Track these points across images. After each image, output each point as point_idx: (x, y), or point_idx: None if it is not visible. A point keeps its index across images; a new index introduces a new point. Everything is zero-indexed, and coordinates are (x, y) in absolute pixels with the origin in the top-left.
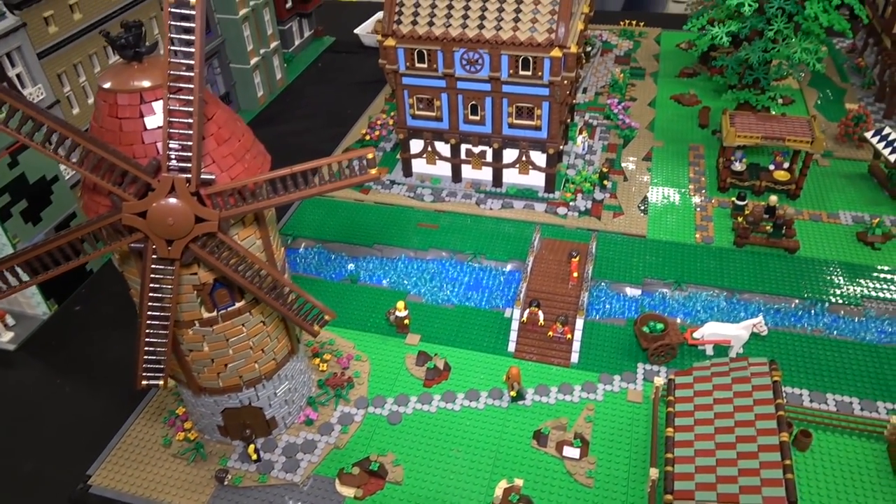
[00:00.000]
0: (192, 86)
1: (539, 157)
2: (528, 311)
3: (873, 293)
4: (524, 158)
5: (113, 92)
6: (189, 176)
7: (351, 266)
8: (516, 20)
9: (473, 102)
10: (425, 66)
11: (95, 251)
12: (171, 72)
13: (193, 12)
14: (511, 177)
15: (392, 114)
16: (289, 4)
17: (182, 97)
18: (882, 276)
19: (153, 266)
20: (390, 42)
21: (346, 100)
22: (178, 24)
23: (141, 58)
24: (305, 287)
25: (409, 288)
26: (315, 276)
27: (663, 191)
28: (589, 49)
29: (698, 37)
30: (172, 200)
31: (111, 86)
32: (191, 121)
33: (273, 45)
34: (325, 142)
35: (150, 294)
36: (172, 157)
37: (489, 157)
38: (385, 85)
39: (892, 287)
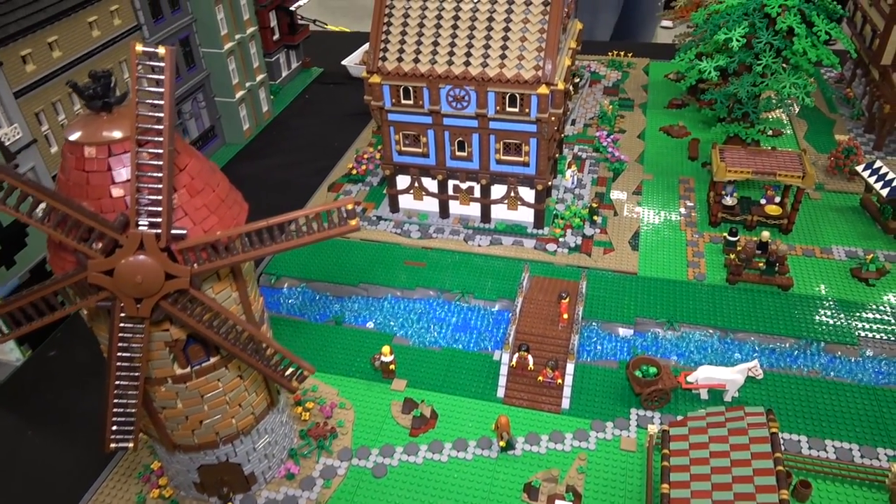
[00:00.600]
0: (161, 138)
1: (528, 193)
2: (517, 355)
3: (869, 332)
4: (512, 194)
5: (80, 144)
6: (159, 231)
7: (336, 306)
8: (503, 57)
9: (460, 139)
10: (411, 102)
11: (63, 309)
12: (140, 125)
13: (162, 64)
14: (500, 212)
15: (379, 147)
16: (276, 36)
17: (151, 150)
18: (877, 313)
19: (121, 325)
20: (375, 79)
21: (334, 132)
22: (148, 76)
23: (110, 108)
24: (288, 329)
25: (395, 329)
26: (298, 317)
27: (654, 226)
28: (577, 80)
29: (688, 68)
30: (141, 257)
31: (78, 138)
32: (160, 174)
33: (259, 77)
34: (312, 175)
35: (119, 354)
36: (142, 211)
37: (477, 193)
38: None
39: (888, 325)
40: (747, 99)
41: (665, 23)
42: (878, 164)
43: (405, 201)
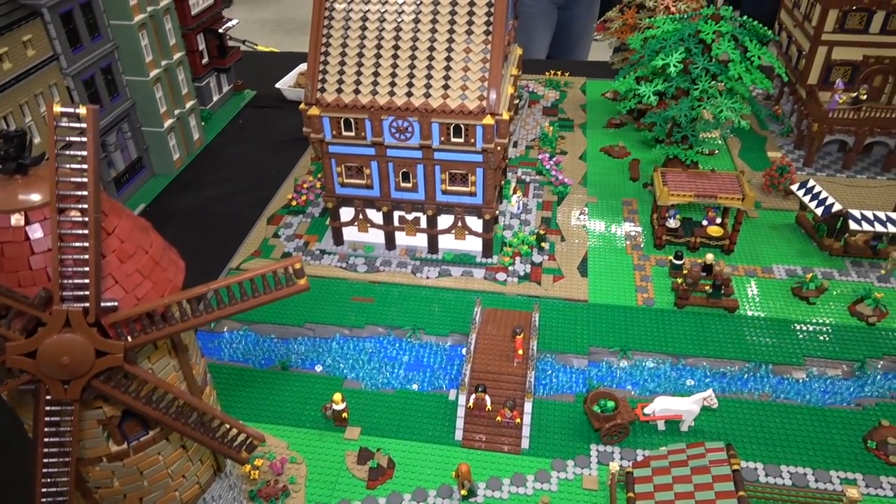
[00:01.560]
0: (85, 205)
1: (475, 223)
2: (473, 396)
3: (813, 351)
4: (460, 224)
5: None
6: (86, 305)
7: (281, 350)
8: (446, 87)
9: (405, 170)
10: (353, 134)
11: None
12: (61, 190)
13: (84, 125)
14: (447, 242)
15: (319, 175)
16: (205, 60)
17: (74, 217)
18: (819, 331)
19: (48, 409)
20: (314, 111)
21: (270, 160)
22: (67, 138)
23: (26, 170)
24: (231, 377)
25: (345, 372)
26: (242, 363)
27: (601, 251)
28: (517, 101)
29: (627, 90)
30: (68, 336)
31: None
32: (86, 243)
33: (189, 104)
34: (249, 207)
35: (47, 439)
36: (66, 284)
37: (423, 224)
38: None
39: (829, 343)
40: (686, 122)
41: (595, 35)
42: (811, 183)
43: (349, 233)
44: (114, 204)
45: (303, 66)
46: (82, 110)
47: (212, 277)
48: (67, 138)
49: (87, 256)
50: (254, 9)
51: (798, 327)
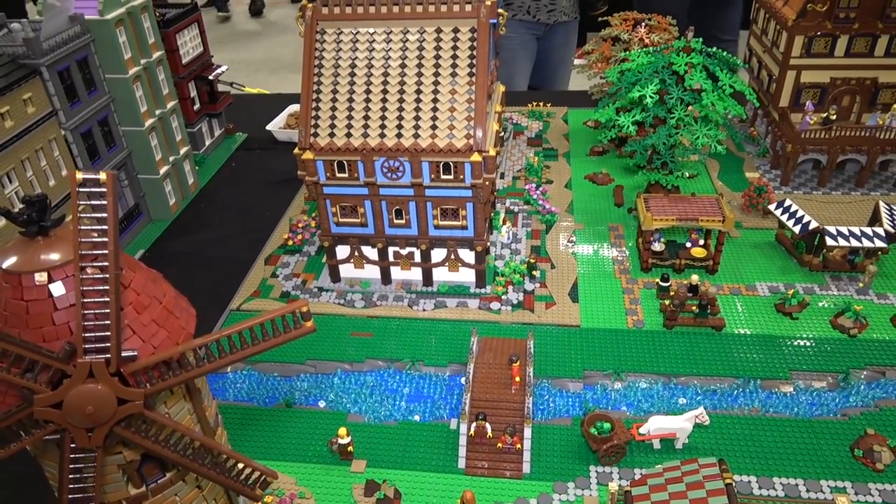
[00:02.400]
0: (106, 263)
1: (467, 255)
2: (474, 424)
3: (798, 364)
4: (453, 257)
5: (16, 273)
6: (108, 356)
7: (285, 388)
8: (434, 127)
9: (397, 207)
10: (346, 175)
11: (8, 448)
12: (83, 251)
13: (104, 189)
14: (441, 275)
15: (314, 215)
16: (197, 106)
17: (95, 275)
18: (803, 345)
19: (72, 456)
20: (308, 155)
21: (264, 201)
22: (88, 202)
23: (47, 232)
24: (237, 416)
25: (348, 407)
26: (246, 402)
27: (590, 276)
28: (502, 133)
29: (607, 120)
30: (91, 386)
31: (14, 265)
32: (107, 299)
33: (183, 150)
34: (246, 249)
35: (71, 486)
36: (88, 337)
37: (417, 258)
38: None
39: (814, 356)
40: (664, 149)
41: (577, 61)
42: (787, 202)
43: (346, 270)
44: (128, 258)
45: (292, 108)
46: (102, 176)
47: (213, 320)
48: (89, 202)
49: (108, 311)
50: (237, 48)
51: (783, 342)
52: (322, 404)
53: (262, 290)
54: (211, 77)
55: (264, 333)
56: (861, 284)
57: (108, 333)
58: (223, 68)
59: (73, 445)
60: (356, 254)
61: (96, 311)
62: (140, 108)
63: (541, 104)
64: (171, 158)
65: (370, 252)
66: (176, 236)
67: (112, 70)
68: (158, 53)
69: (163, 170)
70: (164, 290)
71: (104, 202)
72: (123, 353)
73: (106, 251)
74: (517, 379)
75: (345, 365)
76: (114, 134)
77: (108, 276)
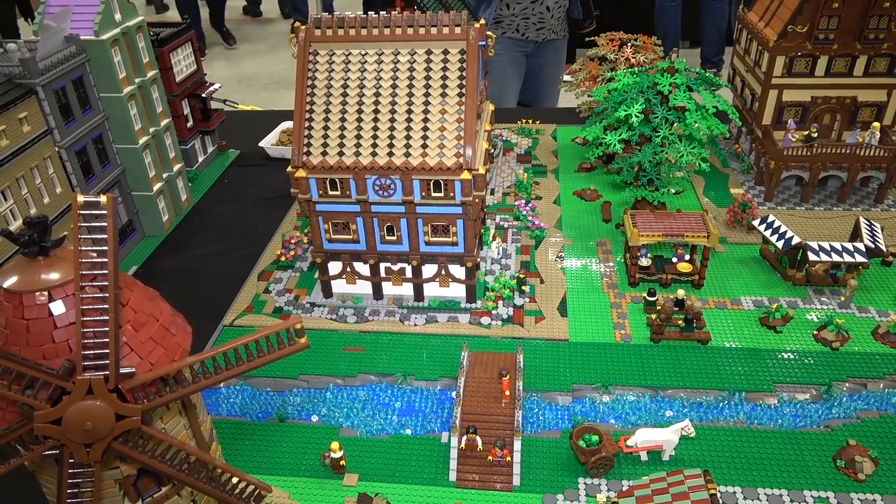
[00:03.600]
0: (105, 283)
1: (458, 270)
2: (465, 437)
3: (782, 377)
4: (443, 272)
5: (17, 293)
6: (107, 373)
7: (277, 402)
8: (424, 146)
9: (389, 224)
10: (338, 193)
11: (8, 464)
12: (84, 271)
13: (104, 212)
14: (432, 290)
15: (306, 230)
16: (190, 123)
17: (95, 294)
18: (787, 358)
19: (71, 471)
20: (301, 173)
21: (257, 217)
22: (89, 224)
23: (47, 252)
24: (231, 431)
25: (340, 421)
26: (239, 417)
27: (579, 291)
28: (492, 150)
29: (594, 138)
30: (90, 402)
31: (14, 284)
32: (106, 317)
33: (176, 167)
34: (239, 265)
35: (69, 500)
36: (88, 354)
37: (409, 274)
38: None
39: (797, 369)
40: (650, 167)
41: (566, 77)
42: (771, 217)
43: (338, 286)
44: (126, 277)
45: (285, 125)
46: (103, 199)
47: (207, 335)
48: (89, 223)
49: (106, 329)
50: (229, 65)
51: (767, 356)
52: (315, 419)
53: (255, 305)
54: (204, 95)
55: (259, 350)
56: (843, 298)
57: (107, 351)
58: (216, 86)
59: (71, 461)
60: (348, 270)
61: (95, 330)
62: (134, 126)
63: (530, 121)
64: (164, 175)
65: (362, 268)
66: (169, 252)
67: (107, 89)
68: (153, 72)
69: (156, 187)
70: (161, 307)
71: (104, 224)
72: (122, 370)
73: (105, 271)
74: (507, 393)
75: (337, 379)
76: (108, 152)
77: (107, 295)
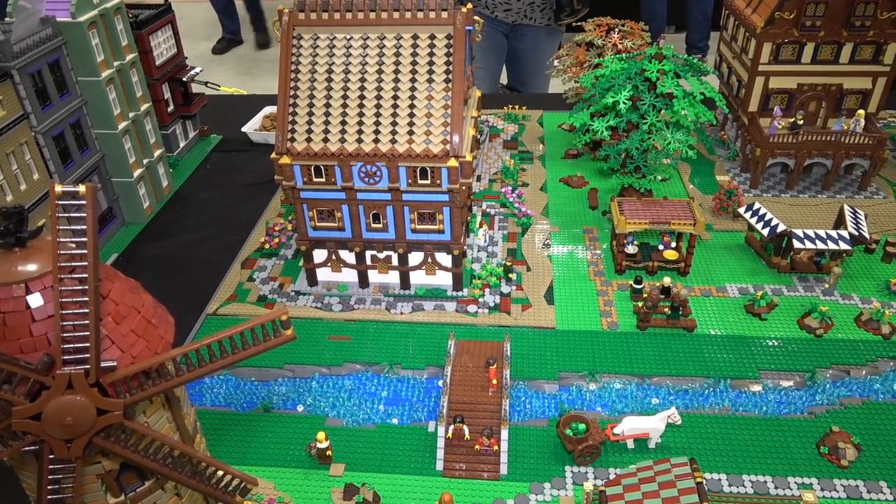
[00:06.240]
0: (85, 275)
1: (444, 258)
2: (452, 427)
3: (767, 364)
4: (430, 260)
5: None
6: (87, 367)
7: (262, 392)
8: (411, 133)
9: (375, 211)
10: (323, 180)
11: None
12: (62, 263)
13: (83, 202)
14: (419, 278)
15: (290, 217)
16: (171, 108)
17: (74, 286)
18: (771, 346)
19: (51, 467)
20: (285, 160)
21: (240, 203)
22: (68, 214)
23: (24, 243)
24: (215, 422)
25: (326, 410)
26: (224, 407)
27: (565, 279)
28: (478, 136)
29: (581, 125)
30: (70, 397)
31: None
32: (86, 310)
33: (157, 153)
34: (222, 252)
35: (49, 497)
36: (67, 348)
37: (395, 262)
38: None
39: (782, 356)
40: (637, 154)
41: (554, 63)
42: (756, 205)
43: (323, 274)
44: (106, 268)
45: (268, 109)
46: (82, 189)
47: (189, 325)
48: (67, 214)
49: (87, 322)
50: (211, 45)
51: (752, 343)
52: (300, 408)
53: (238, 294)
54: (185, 78)
55: (244, 342)
56: (826, 286)
57: (88, 344)
58: (197, 69)
59: (51, 456)
60: (333, 257)
61: (75, 323)
62: (113, 110)
63: (516, 107)
64: (144, 161)
65: (348, 256)
66: (150, 240)
67: (84, 72)
68: (132, 55)
69: (137, 173)
70: (143, 299)
71: (83, 214)
72: (103, 364)
73: (85, 263)
74: (494, 381)
75: (323, 369)
76: (86, 137)
77: (87, 287)
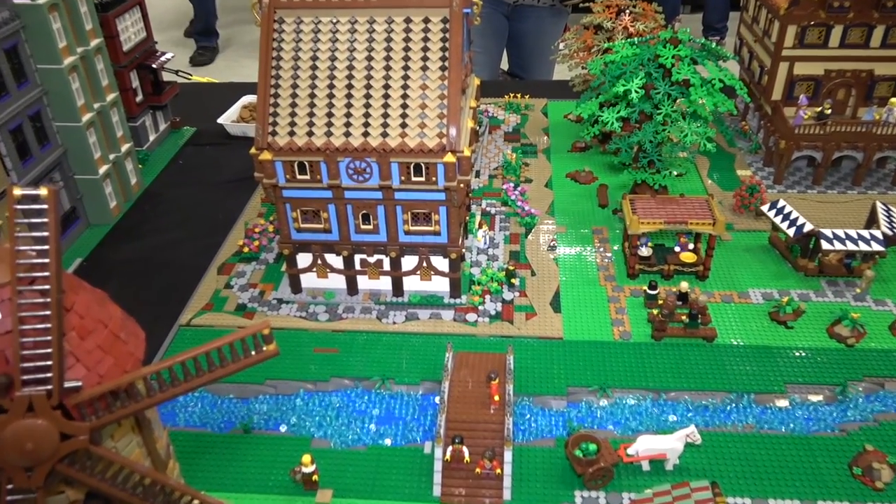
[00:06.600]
0: (47, 286)
1: (441, 262)
2: (450, 448)
3: (794, 377)
4: (425, 265)
5: None
6: (49, 388)
7: (242, 411)
8: (403, 126)
9: (365, 212)
10: (308, 177)
11: None
12: (21, 273)
13: (45, 206)
14: (413, 284)
15: (271, 218)
16: (139, 98)
17: (35, 299)
18: (799, 356)
19: (9, 498)
20: (266, 156)
21: (216, 202)
22: (27, 220)
23: None
24: (189, 444)
25: (312, 431)
26: (199, 428)
27: (573, 284)
28: (477, 128)
29: (589, 115)
30: (30, 421)
31: None
32: (47, 325)
33: (125, 147)
34: (198, 256)
35: None
36: (27, 367)
37: (387, 266)
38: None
39: (810, 368)
40: (651, 147)
41: (560, 47)
42: (781, 202)
43: (308, 280)
44: (71, 278)
45: (246, 99)
46: (43, 191)
47: (160, 337)
48: (27, 219)
49: (49, 338)
50: (181, 31)
51: (777, 353)
52: (283, 429)
53: (214, 302)
54: (155, 65)
55: (222, 359)
56: (858, 290)
57: (50, 363)
58: (168, 55)
59: (10, 486)
60: (319, 262)
61: (36, 339)
62: (77, 101)
63: (518, 95)
64: (111, 156)
65: (335, 260)
66: (117, 243)
67: (45, 60)
68: (97, 41)
69: (102, 169)
70: (111, 312)
71: (45, 220)
72: (66, 384)
73: (46, 273)
74: (496, 398)
75: (308, 384)
76: (47, 130)
77: (48, 299)
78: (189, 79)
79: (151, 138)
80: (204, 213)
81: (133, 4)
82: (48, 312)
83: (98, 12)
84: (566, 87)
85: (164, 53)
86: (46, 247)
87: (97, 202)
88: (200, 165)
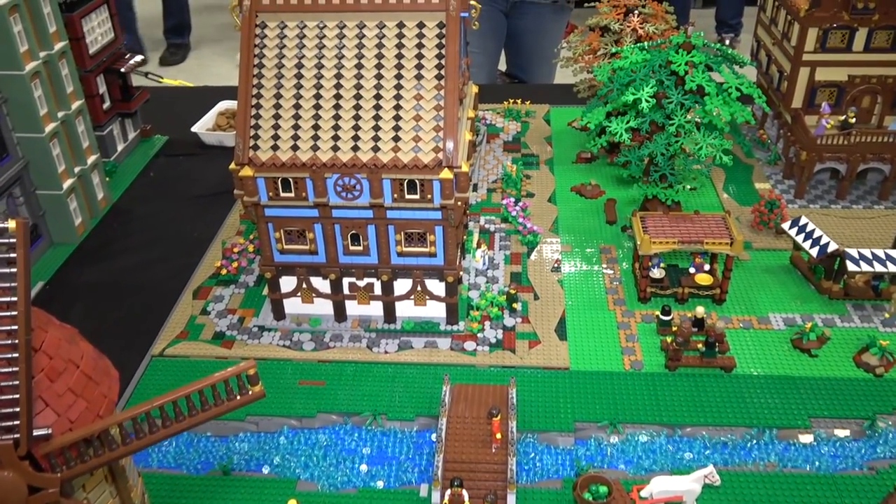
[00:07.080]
0: (14, 326)
1: (436, 286)
2: (449, 492)
3: (819, 410)
4: (419, 288)
5: None
6: (17, 436)
7: (221, 450)
8: (396, 139)
9: (354, 232)
10: (292, 195)
11: None
12: None
13: (13, 240)
14: (406, 309)
15: (252, 237)
16: (107, 105)
17: (2, 341)
18: (824, 387)
19: None
20: (247, 171)
21: (191, 219)
22: None
23: None
24: (164, 488)
25: (297, 472)
26: (174, 469)
27: (580, 308)
28: (474, 139)
29: (596, 125)
30: None
31: None
32: (15, 368)
33: (91, 159)
34: (171, 278)
35: None
36: None
37: (378, 291)
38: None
39: (836, 400)
40: (663, 161)
41: (563, 48)
42: (803, 219)
43: (292, 305)
44: (39, 314)
45: (222, 105)
46: (11, 225)
47: (131, 367)
48: None
49: (16, 382)
50: (151, 28)
51: (801, 385)
52: (266, 470)
53: (190, 330)
54: (123, 69)
55: (203, 402)
56: (887, 315)
57: (17, 409)
58: (138, 58)
59: None
60: (304, 286)
61: (2, 384)
62: (39, 109)
63: (518, 101)
64: (76, 169)
65: (321, 284)
66: (83, 264)
67: (5, 66)
68: (61, 44)
69: (67, 183)
70: (82, 350)
71: (13, 255)
72: (35, 432)
73: (14, 312)
74: (498, 435)
75: (292, 421)
76: (6, 142)
77: (16, 341)
78: (160, 81)
79: (120, 148)
80: (177, 231)
81: (100, 3)
82: (15, 355)
83: (63, 12)
84: (570, 92)
85: (133, 56)
86: (14, 284)
87: (61, 219)
88: (173, 178)
